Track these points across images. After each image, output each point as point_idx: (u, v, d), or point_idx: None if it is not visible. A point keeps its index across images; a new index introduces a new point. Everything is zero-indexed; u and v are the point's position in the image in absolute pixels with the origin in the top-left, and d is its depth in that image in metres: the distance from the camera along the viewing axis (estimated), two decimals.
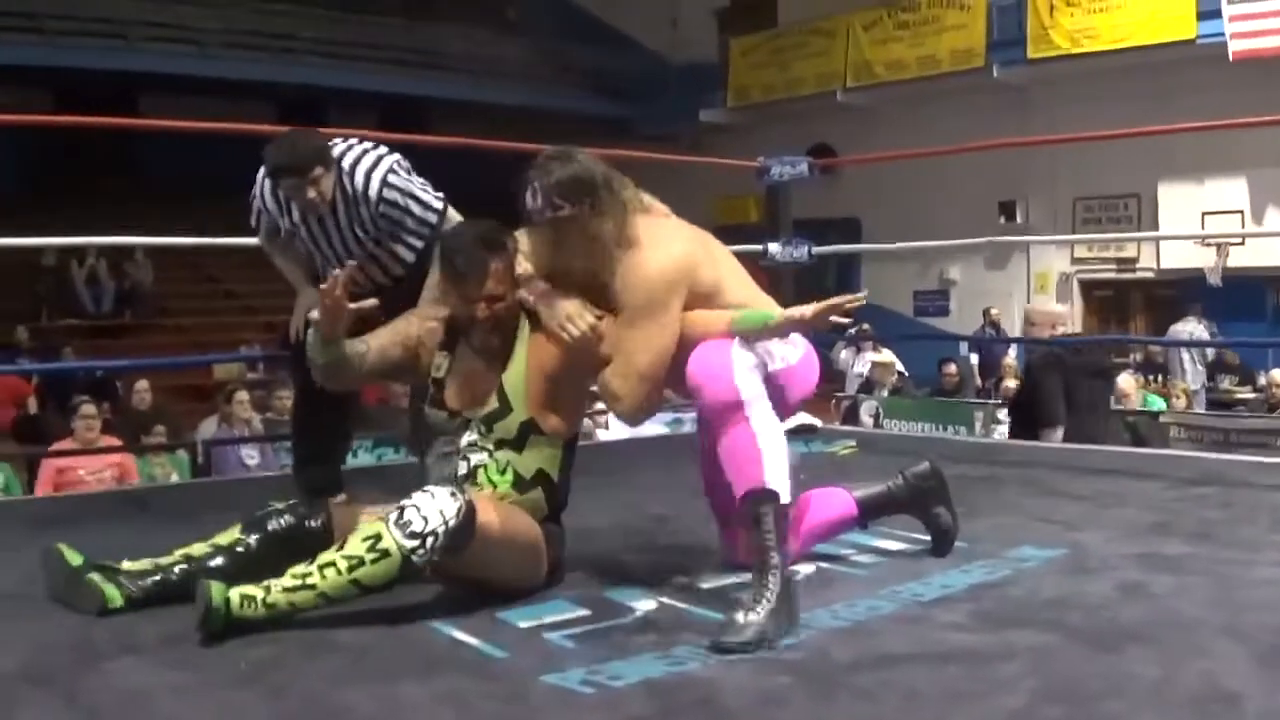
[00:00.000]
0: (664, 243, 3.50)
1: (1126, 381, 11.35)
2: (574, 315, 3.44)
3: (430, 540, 3.07)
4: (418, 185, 4.54)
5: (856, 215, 18.36)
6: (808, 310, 3.29)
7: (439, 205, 4.56)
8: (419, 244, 4.56)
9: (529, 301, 3.53)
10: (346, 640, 3.00)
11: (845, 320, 3.38)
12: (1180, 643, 2.94)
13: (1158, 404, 11.48)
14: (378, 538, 3.07)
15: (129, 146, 19.91)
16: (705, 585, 3.57)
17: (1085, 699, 2.57)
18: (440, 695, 2.63)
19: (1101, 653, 2.87)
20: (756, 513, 3.19)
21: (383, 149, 4.55)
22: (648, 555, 4.08)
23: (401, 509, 3.11)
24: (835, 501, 3.91)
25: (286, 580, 3.07)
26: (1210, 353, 14.94)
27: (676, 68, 21.75)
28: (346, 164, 4.42)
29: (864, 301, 3.38)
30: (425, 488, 3.19)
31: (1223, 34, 15.20)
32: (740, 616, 3.02)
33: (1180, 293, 16.41)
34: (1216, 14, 15.32)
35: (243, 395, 10.48)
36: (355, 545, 3.08)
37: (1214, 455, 7.20)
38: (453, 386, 3.60)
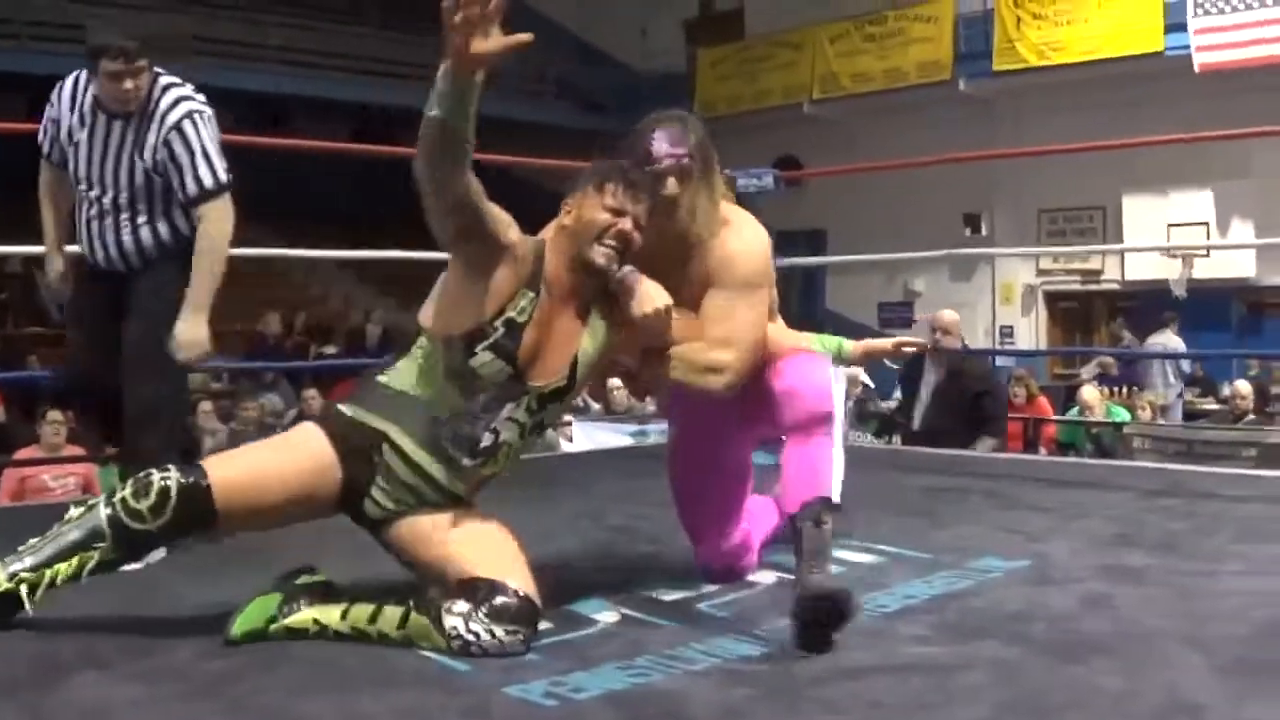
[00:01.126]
0: (752, 224, 3.54)
1: (1090, 393, 11.41)
2: (655, 295, 3.26)
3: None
4: (214, 148, 4.30)
5: (822, 227, 18.38)
6: (875, 345, 3.45)
7: (221, 180, 4.30)
8: (177, 227, 4.32)
9: (613, 273, 3.25)
10: (306, 653, 2.97)
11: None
12: (1143, 654, 2.94)
13: (1122, 415, 11.53)
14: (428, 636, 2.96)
15: None
16: (667, 597, 3.55)
17: (1048, 711, 2.57)
18: (401, 709, 2.60)
19: (1064, 664, 2.87)
20: (818, 515, 3.22)
21: (204, 101, 4.36)
22: (610, 566, 4.07)
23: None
24: (771, 511, 3.95)
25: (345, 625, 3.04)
26: (1186, 365, 15.04)
27: (647, 79, 21.77)
28: (163, 81, 4.26)
29: (924, 348, 3.54)
30: None
31: (1189, 46, 15.31)
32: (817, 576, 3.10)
33: (1145, 304, 16.51)
34: (1183, 27, 15.44)
35: (207, 405, 10.45)
36: (416, 630, 2.97)
37: (1178, 466, 7.24)
38: (528, 353, 3.16)
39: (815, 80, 19.35)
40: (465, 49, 2.69)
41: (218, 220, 4.28)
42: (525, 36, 2.74)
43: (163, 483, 2.97)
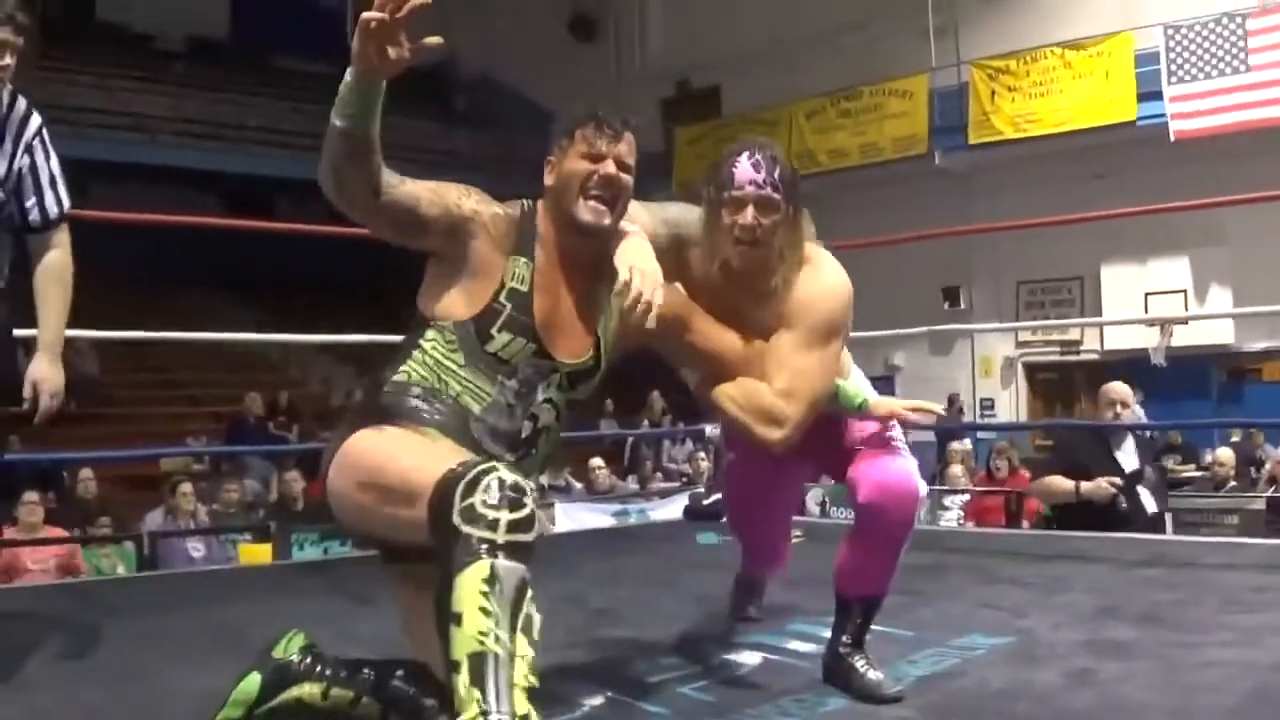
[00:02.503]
0: (834, 266, 3.39)
1: None
2: (637, 259, 2.97)
3: None
4: (59, 168, 3.79)
5: None
6: (896, 406, 3.43)
7: (68, 206, 3.87)
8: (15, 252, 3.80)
9: (606, 229, 3.00)
10: None
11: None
12: None
13: None
14: None
15: (76, 233, 19.77)
16: (652, 679, 3.54)
17: None
18: None
19: None
20: (869, 613, 3.46)
21: None
22: (593, 649, 4.05)
23: None
24: None
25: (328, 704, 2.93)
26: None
27: None
28: (22, 95, 3.67)
29: (940, 412, 3.56)
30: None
31: (1164, 115, 15.49)
32: (871, 674, 3.33)
33: (1124, 374, 16.54)
34: (1157, 95, 15.62)
35: (187, 487, 10.40)
36: None
37: (1160, 536, 7.24)
38: (545, 323, 2.95)
39: (792, 157, 19.10)
40: (377, 56, 2.59)
41: (68, 248, 3.90)
42: (434, 40, 2.62)
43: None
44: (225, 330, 10.99)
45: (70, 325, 4.17)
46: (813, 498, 10.90)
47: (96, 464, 11.76)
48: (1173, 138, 15.37)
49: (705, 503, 8.20)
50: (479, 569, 2.41)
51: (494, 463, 2.53)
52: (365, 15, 2.56)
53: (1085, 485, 6.53)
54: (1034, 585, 5.05)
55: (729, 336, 3.30)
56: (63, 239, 3.82)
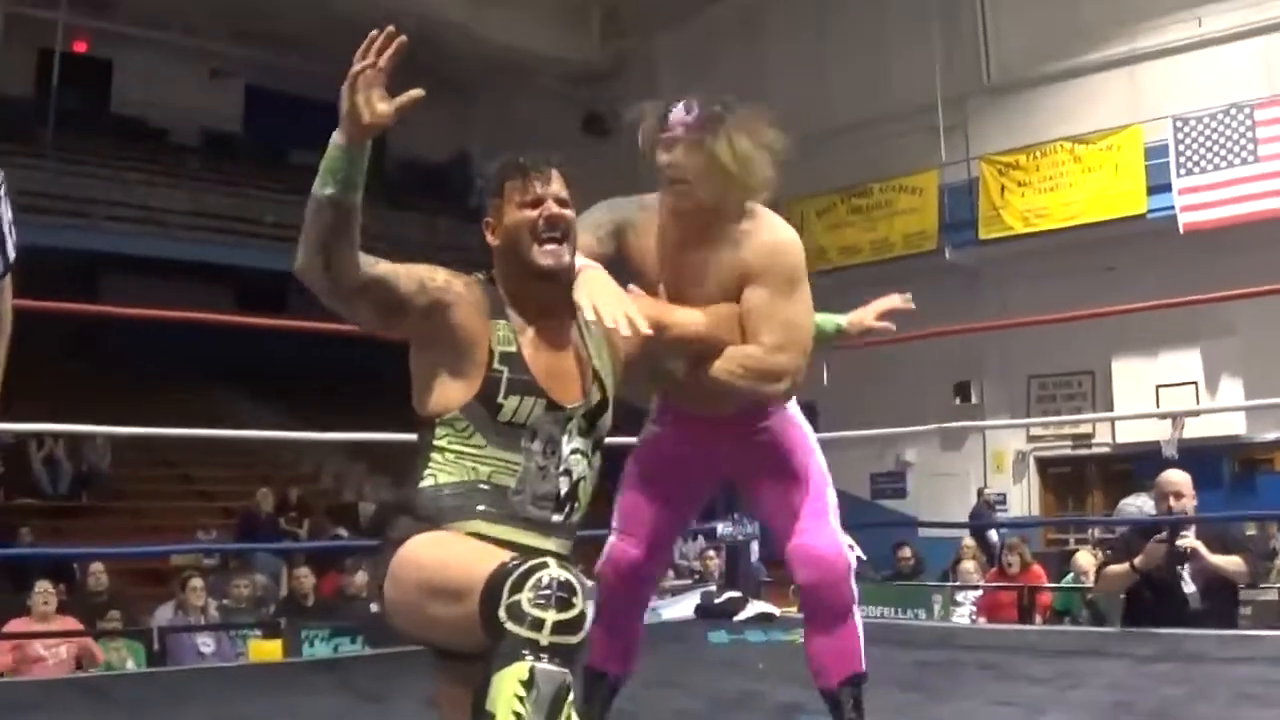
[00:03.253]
0: (780, 219, 3.52)
1: (1085, 559, 11.35)
2: (606, 296, 3.01)
3: None
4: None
5: (812, 399, 18.35)
6: (866, 317, 3.60)
7: (12, 258, 3.61)
8: None
9: (566, 269, 3.01)
10: None
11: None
12: None
13: None
14: None
15: (91, 328, 19.94)
16: None
17: None
18: None
19: None
20: (858, 695, 3.50)
21: None
22: None
23: None
24: None
25: None
26: None
27: None
28: None
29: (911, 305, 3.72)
30: None
31: (1173, 207, 15.55)
32: None
33: (1137, 466, 16.53)
34: (1166, 188, 15.69)
35: (197, 582, 10.41)
36: None
37: (1173, 631, 7.20)
38: (544, 375, 2.93)
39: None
40: (367, 112, 2.64)
41: (9, 299, 3.71)
42: (417, 92, 2.67)
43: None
44: (237, 426, 11.05)
45: (81, 419, 4.14)
46: None
47: (107, 559, 11.75)
48: (1182, 230, 15.42)
49: (717, 601, 8.18)
50: (517, 671, 2.38)
51: (546, 559, 2.51)
52: (353, 70, 2.63)
53: (1138, 559, 6.42)
54: (1048, 681, 5.03)
55: (700, 314, 3.34)
56: (8, 288, 3.55)
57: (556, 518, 2.90)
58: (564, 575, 2.46)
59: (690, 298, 3.36)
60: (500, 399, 2.86)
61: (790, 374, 3.32)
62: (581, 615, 2.45)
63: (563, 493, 2.91)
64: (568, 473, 2.93)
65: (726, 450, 3.60)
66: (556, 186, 2.98)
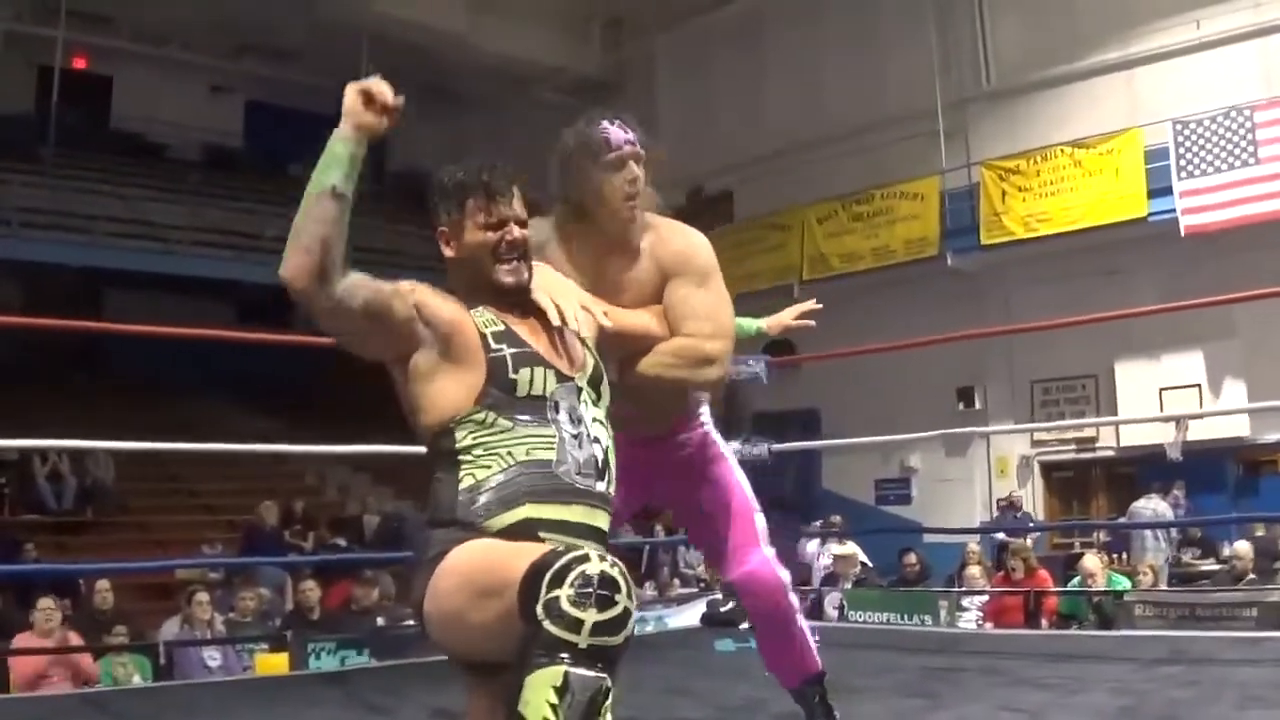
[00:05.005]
0: (680, 224, 3.72)
1: (1091, 562, 11.37)
2: (563, 292, 3.11)
3: None
4: None
5: (816, 406, 18.43)
6: (785, 318, 3.89)
7: None
8: None
9: (525, 284, 3.05)
10: None
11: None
12: None
13: (1123, 583, 11.47)
14: None
15: (94, 342, 19.97)
16: None
17: None
18: None
19: None
20: (821, 691, 3.79)
21: None
22: None
23: None
24: None
25: None
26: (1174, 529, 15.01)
27: None
28: None
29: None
30: None
31: (1174, 210, 15.52)
32: None
33: (1141, 470, 16.52)
34: (1167, 191, 15.66)
35: (203, 596, 10.40)
36: None
37: (1179, 633, 7.21)
38: (541, 349, 2.96)
39: (805, 261, 19.43)
40: (375, 115, 2.77)
41: None
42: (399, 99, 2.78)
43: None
44: (240, 440, 11.02)
45: (86, 435, 4.23)
46: (830, 602, 10.88)
47: (111, 575, 11.75)
48: (1184, 232, 15.41)
49: (723, 609, 8.18)
50: (551, 675, 2.32)
51: (589, 552, 2.45)
52: (377, 87, 2.75)
53: None
54: (1053, 686, 5.03)
55: (635, 312, 3.44)
56: None
57: (600, 486, 2.89)
58: (607, 570, 2.41)
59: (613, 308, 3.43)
60: (512, 374, 2.86)
61: (720, 359, 3.46)
62: (625, 613, 2.40)
63: (599, 460, 2.90)
64: (597, 440, 2.92)
65: (648, 472, 3.68)
66: (518, 207, 3.02)
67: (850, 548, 13.19)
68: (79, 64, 22.27)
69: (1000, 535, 14.41)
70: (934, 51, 18.60)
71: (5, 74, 20.35)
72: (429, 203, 3.04)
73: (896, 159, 18.77)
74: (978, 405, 18.36)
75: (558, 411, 2.87)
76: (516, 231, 2.99)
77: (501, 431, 2.83)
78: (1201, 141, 15.56)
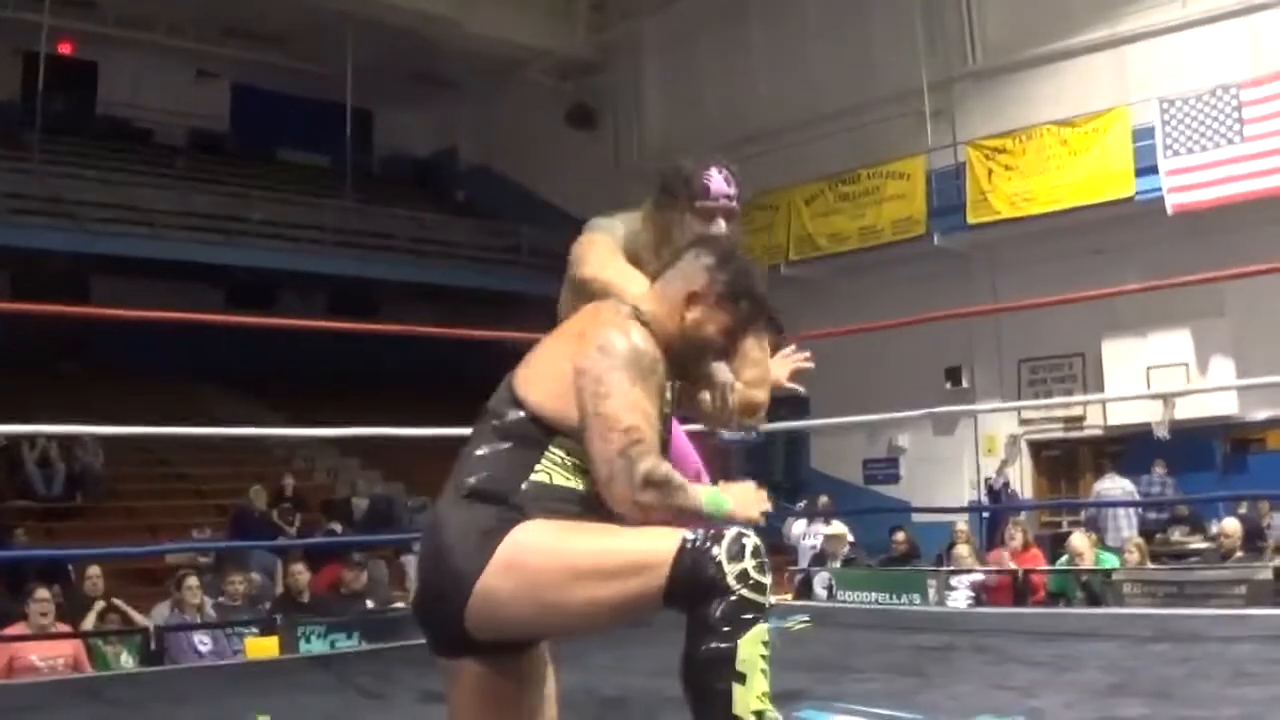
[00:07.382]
0: None
1: (1079, 541, 11.38)
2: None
3: None
4: None
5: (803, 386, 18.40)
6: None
7: None
8: None
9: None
10: None
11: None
12: None
13: (1112, 562, 11.49)
14: None
15: (83, 328, 19.90)
16: None
17: None
18: None
19: None
20: None
21: None
22: None
23: None
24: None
25: None
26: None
27: None
28: None
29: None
30: None
31: (1160, 189, 15.52)
32: None
33: (1128, 448, 16.54)
34: (1154, 170, 15.65)
35: (193, 581, 10.38)
36: None
37: (1168, 611, 7.22)
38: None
39: (791, 241, 19.43)
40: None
41: None
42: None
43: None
44: (229, 424, 11.02)
45: (74, 420, 4.22)
46: (819, 582, 10.89)
47: (101, 560, 11.73)
48: (1170, 211, 15.41)
49: None
50: (759, 632, 2.60)
51: (739, 529, 2.69)
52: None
53: None
54: (1044, 664, 5.03)
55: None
56: None
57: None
58: (760, 542, 2.67)
59: None
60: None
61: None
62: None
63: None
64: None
65: None
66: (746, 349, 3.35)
67: (839, 527, 13.19)
68: (64, 49, 22.20)
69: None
70: (920, 31, 18.61)
71: None
72: (709, 265, 3.04)
73: (883, 139, 18.77)
74: (965, 384, 18.37)
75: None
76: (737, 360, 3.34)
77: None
78: (1188, 120, 15.55)
